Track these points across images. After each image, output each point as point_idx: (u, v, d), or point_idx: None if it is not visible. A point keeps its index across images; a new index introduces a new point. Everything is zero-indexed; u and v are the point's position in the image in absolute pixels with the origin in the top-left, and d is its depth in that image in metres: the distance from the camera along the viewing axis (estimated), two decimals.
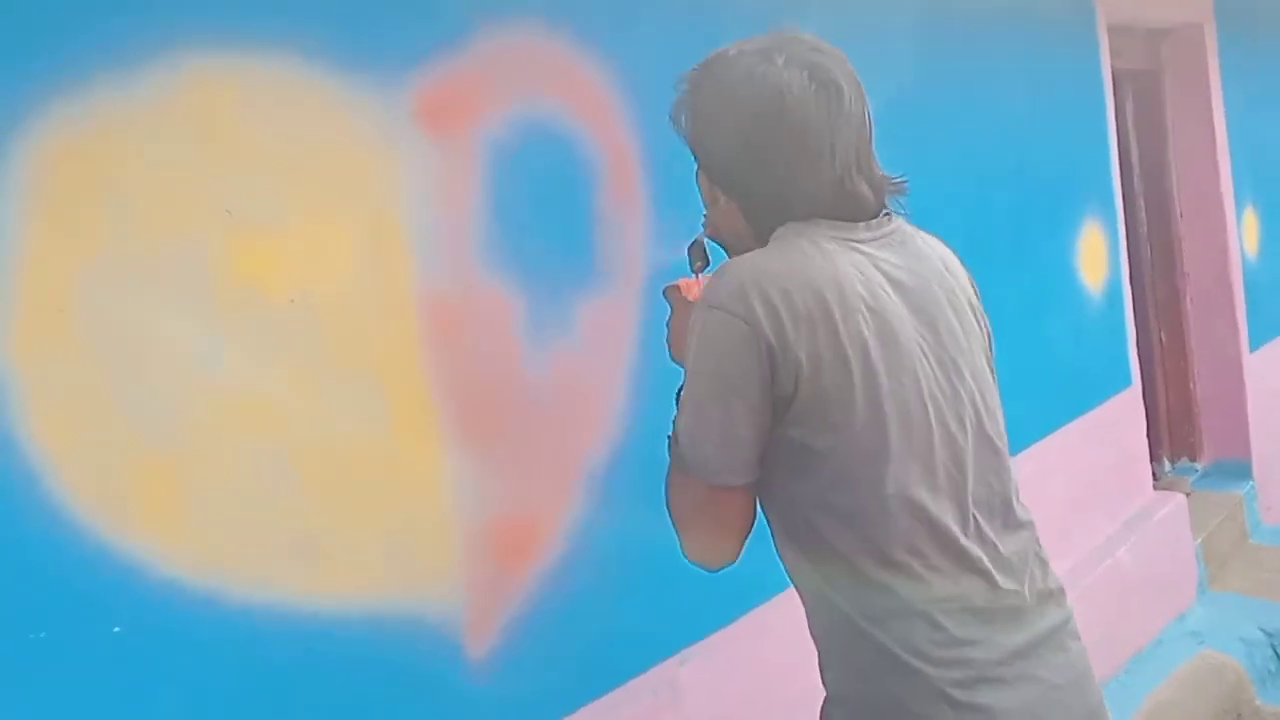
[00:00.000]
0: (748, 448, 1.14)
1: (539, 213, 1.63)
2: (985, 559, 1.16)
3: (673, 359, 1.38)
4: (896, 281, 1.17)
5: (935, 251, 1.27)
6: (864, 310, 1.12)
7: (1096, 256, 3.25)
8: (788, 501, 1.18)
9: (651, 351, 1.71)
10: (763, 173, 1.18)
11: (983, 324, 1.28)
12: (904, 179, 1.24)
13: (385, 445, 1.43)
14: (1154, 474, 3.63)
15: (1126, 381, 3.37)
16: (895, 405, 1.13)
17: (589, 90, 1.71)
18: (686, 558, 1.23)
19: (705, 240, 1.35)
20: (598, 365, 1.72)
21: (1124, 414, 3.35)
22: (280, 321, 1.31)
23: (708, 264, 1.38)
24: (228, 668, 1.27)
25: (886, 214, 1.23)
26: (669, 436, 1.21)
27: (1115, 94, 3.48)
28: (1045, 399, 2.90)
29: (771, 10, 1.71)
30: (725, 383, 1.12)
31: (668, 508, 1.24)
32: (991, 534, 1.18)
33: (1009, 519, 1.21)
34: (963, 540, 1.15)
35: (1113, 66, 3.42)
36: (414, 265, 1.46)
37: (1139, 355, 3.45)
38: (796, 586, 1.24)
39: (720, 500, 1.17)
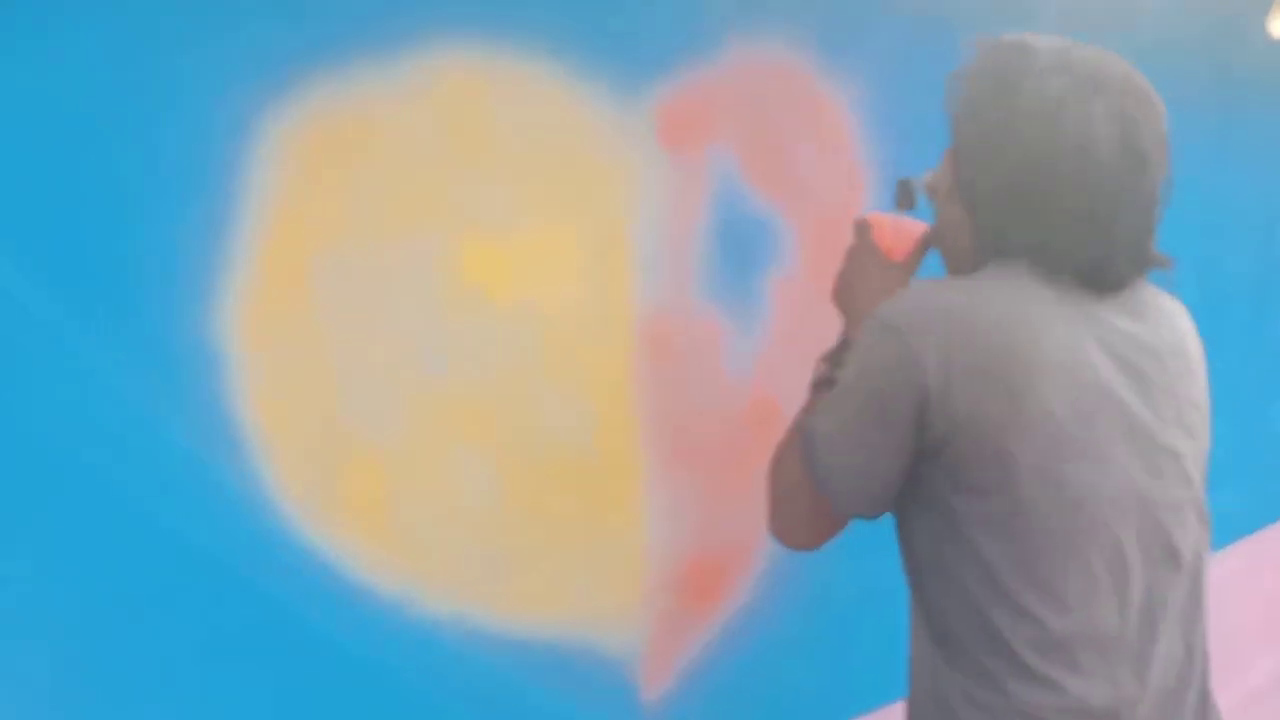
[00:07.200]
0: (872, 480, 1.04)
1: (761, 238, 1.54)
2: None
3: (833, 298, 1.26)
4: (1119, 355, 1.02)
5: (1173, 321, 1.10)
6: (1062, 382, 0.97)
7: None
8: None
9: None
10: (1022, 221, 1.03)
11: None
12: (1172, 259, 1.08)
13: (587, 466, 1.37)
14: None
15: None
16: (1074, 492, 0.98)
17: (827, 113, 1.61)
18: (767, 526, 1.17)
19: (920, 186, 1.19)
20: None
21: None
22: (502, 328, 1.26)
23: (913, 207, 1.23)
24: (404, 678, 1.23)
25: None
26: (806, 422, 1.10)
27: None
28: (1271, 487, 2.65)
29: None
30: (876, 410, 1.01)
31: (770, 475, 1.16)
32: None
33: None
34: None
35: None
36: (635, 283, 1.39)
37: None
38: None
39: (822, 510, 1.10)
